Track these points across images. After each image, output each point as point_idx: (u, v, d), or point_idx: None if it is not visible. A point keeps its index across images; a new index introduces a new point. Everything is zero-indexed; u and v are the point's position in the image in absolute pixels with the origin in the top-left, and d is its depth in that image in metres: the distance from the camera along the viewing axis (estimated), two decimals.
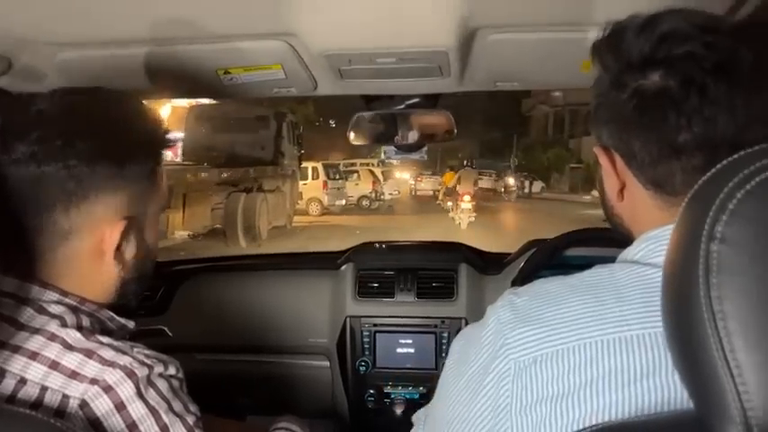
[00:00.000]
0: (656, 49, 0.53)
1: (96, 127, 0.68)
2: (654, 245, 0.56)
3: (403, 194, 22.89)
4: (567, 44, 0.93)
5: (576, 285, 0.56)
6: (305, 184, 14.58)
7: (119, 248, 0.70)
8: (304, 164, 14.95)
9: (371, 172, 19.60)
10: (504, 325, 0.56)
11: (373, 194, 18.51)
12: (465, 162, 20.16)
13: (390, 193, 20.42)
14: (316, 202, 15.63)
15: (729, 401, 0.36)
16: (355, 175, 18.83)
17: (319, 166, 16.21)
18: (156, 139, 0.74)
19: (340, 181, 16.69)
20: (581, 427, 0.49)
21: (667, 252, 0.43)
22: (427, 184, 24.73)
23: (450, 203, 13.79)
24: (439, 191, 19.84)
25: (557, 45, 0.94)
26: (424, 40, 0.90)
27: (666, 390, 0.48)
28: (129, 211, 0.70)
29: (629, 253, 0.59)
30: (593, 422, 0.49)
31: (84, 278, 0.69)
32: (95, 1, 0.81)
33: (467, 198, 11.88)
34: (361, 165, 22.12)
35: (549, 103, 35.38)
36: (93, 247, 0.69)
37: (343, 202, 16.41)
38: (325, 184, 15.65)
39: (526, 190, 27.17)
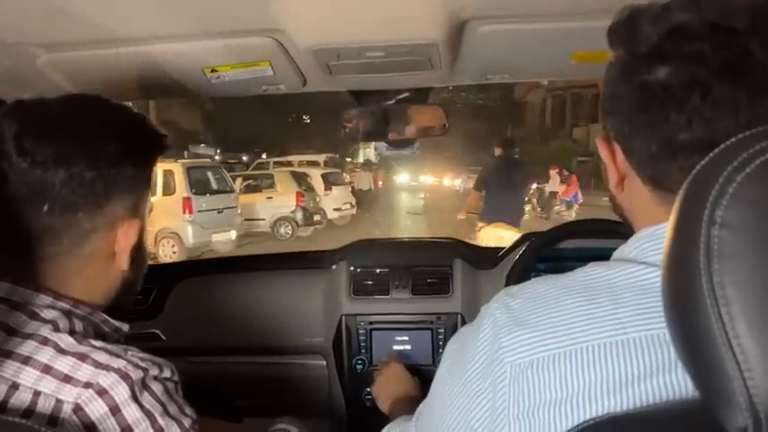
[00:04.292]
0: (665, 43, 0.52)
1: (120, 130, 0.71)
2: (648, 243, 0.55)
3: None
4: (557, 34, 0.92)
5: (571, 287, 0.55)
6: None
7: (118, 249, 0.72)
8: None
9: (296, 177, 11.76)
10: (499, 328, 0.56)
11: (300, 214, 11.03)
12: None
13: (339, 209, 12.58)
14: (170, 239, 8.63)
15: (735, 388, 0.36)
16: (275, 183, 11.56)
17: (177, 167, 8.77)
18: (157, 141, 0.77)
19: (219, 195, 9.29)
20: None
21: (666, 239, 0.42)
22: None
23: None
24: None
25: (547, 36, 0.94)
26: (414, 32, 0.90)
27: (665, 390, 0.48)
28: (139, 211, 0.74)
29: (623, 251, 0.58)
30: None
31: (92, 279, 0.71)
32: (77, 2, 0.80)
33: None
34: (300, 164, 15.20)
35: (546, 87, 31.63)
36: (107, 247, 0.71)
37: (232, 235, 9.15)
38: (187, 202, 8.54)
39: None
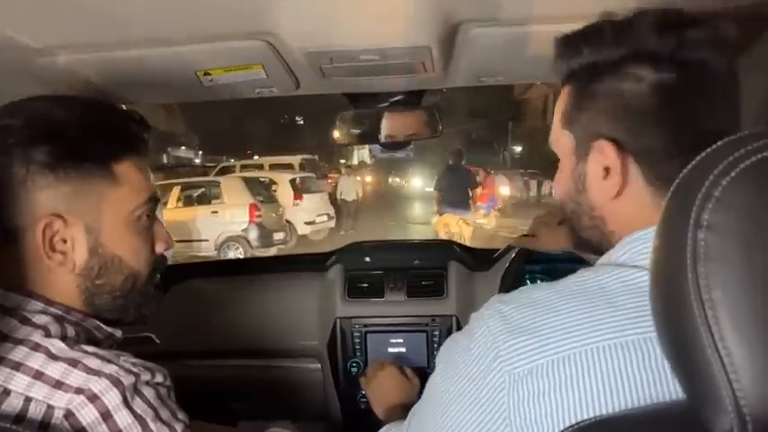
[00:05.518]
0: (680, 45, 0.55)
1: (61, 126, 0.68)
2: (639, 246, 0.55)
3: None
4: (550, 38, 0.93)
5: (565, 292, 0.55)
6: None
7: (53, 248, 0.67)
8: None
9: (251, 184, 9.14)
10: (495, 336, 0.55)
11: (254, 232, 8.50)
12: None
13: (311, 221, 10.02)
14: None
15: (721, 390, 0.36)
16: (221, 192, 8.83)
17: None
18: (110, 136, 0.73)
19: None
20: None
21: (654, 242, 0.42)
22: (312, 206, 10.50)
23: None
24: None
25: (540, 39, 0.94)
26: (407, 35, 0.90)
27: (669, 397, 0.47)
28: (72, 209, 0.68)
29: (611, 255, 0.58)
30: None
31: (46, 282, 0.68)
32: (72, 4, 0.80)
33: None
34: (272, 167, 12.63)
35: (548, 83, 31.42)
36: (35, 247, 0.67)
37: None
38: None
39: (532, 193, 21.01)
